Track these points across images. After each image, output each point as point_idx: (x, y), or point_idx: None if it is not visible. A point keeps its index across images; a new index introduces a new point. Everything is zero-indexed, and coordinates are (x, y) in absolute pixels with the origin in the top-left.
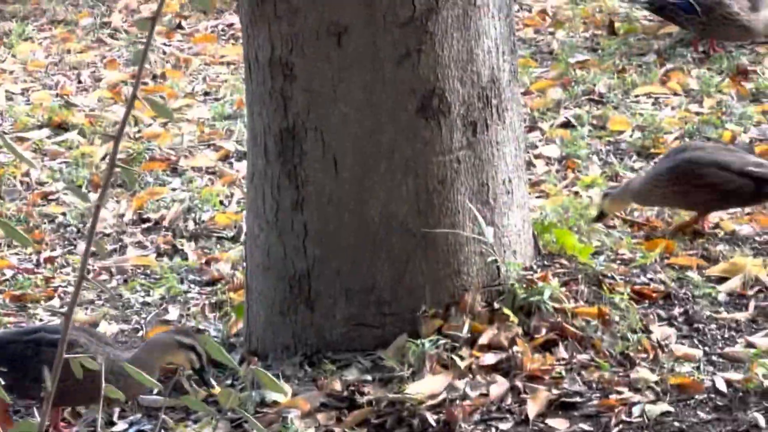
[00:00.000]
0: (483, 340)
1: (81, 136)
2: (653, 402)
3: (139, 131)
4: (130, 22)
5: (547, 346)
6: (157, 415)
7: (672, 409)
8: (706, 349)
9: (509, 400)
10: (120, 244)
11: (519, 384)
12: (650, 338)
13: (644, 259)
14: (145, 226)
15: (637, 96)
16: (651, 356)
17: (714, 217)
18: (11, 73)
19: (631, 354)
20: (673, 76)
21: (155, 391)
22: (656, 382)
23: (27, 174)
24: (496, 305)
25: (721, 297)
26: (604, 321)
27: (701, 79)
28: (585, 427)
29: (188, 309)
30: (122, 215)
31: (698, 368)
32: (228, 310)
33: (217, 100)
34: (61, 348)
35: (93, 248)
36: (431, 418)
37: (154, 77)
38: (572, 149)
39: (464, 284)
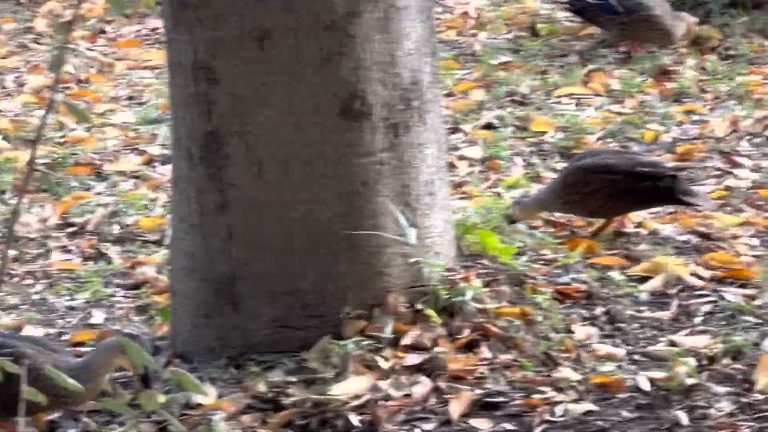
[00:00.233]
0: (406, 340)
1: (5, 141)
2: (576, 401)
3: (63, 136)
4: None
5: (470, 347)
6: (80, 417)
7: (595, 408)
8: (629, 348)
9: (432, 401)
10: (45, 248)
11: (442, 384)
12: (573, 338)
13: (566, 259)
14: (69, 230)
15: (559, 97)
16: (574, 356)
17: (636, 216)
18: None
19: (554, 354)
20: (595, 77)
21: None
22: (579, 382)
23: None
24: (419, 306)
25: (643, 296)
26: (527, 321)
27: (623, 80)
28: (508, 426)
29: (113, 313)
30: (47, 219)
31: (620, 367)
32: (153, 314)
33: (141, 104)
34: None
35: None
36: (355, 419)
37: (79, 82)
38: (495, 150)
39: (387, 286)
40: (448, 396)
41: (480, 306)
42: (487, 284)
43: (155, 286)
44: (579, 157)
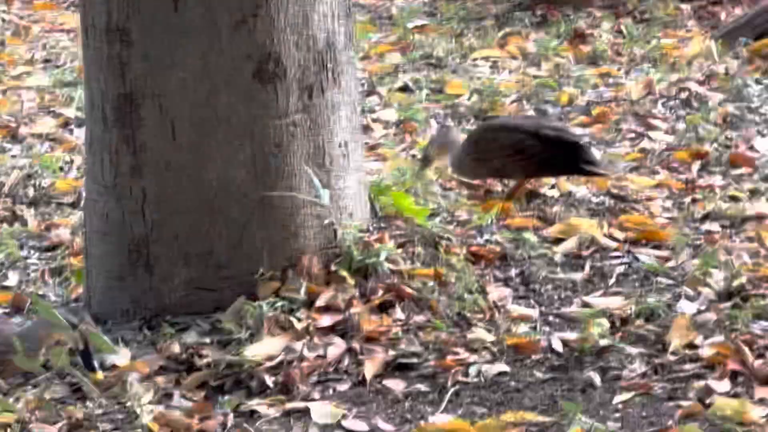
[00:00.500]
0: (320, 302)
1: None
2: (490, 362)
3: None
4: None
5: (384, 308)
6: None
7: (509, 369)
8: (543, 309)
9: (346, 362)
10: None
11: (356, 345)
12: (487, 299)
13: (480, 220)
14: None
15: (475, 60)
16: (487, 317)
17: (550, 178)
18: None
19: (468, 315)
20: (511, 41)
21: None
22: (493, 343)
23: None
24: (333, 267)
25: (558, 258)
26: (441, 282)
27: (539, 43)
28: (422, 387)
29: (28, 275)
30: None
31: (534, 328)
32: (68, 276)
33: (57, 67)
34: None
35: None
36: (269, 380)
37: None
38: (410, 113)
39: (301, 247)
40: (362, 357)
41: (394, 267)
42: (401, 245)
43: (70, 249)
44: (492, 119)
